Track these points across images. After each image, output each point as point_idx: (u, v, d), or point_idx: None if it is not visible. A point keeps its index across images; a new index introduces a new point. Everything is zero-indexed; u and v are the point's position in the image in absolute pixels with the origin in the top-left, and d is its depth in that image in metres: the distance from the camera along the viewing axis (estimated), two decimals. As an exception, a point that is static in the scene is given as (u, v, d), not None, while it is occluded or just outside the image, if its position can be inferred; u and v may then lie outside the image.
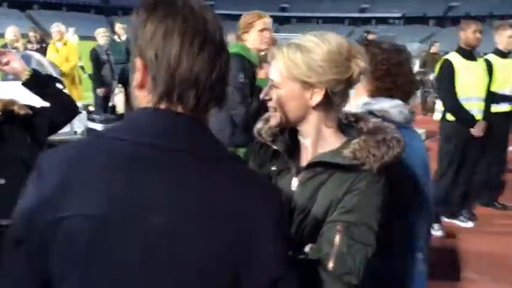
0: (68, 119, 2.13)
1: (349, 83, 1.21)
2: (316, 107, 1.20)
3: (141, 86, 0.83)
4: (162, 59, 0.80)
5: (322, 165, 1.20)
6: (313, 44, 1.18)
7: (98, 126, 6.17)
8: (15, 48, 6.99)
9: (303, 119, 1.23)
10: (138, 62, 0.83)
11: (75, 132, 7.12)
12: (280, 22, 63.25)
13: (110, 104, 7.97)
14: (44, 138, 2.03)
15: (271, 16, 3.18)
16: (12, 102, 1.95)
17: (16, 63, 1.98)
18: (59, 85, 2.10)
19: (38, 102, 2.02)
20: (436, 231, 4.10)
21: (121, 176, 0.76)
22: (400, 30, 62.29)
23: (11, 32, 7.14)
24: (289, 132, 1.30)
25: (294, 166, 1.26)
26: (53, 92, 2.03)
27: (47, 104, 2.03)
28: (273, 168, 1.30)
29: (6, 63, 1.96)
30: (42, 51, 7.62)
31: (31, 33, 8.31)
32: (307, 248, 1.19)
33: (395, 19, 66.04)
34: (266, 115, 1.33)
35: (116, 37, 8.19)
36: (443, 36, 40.48)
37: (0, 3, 58.84)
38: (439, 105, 6.76)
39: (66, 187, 0.76)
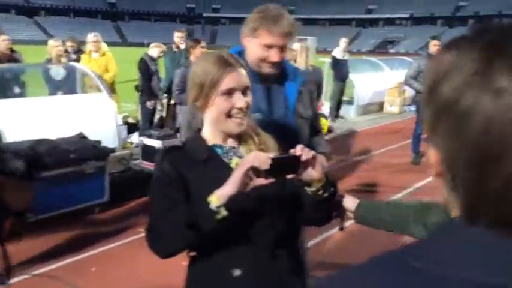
0: (313, 225, 1.85)
1: None
2: None
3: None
4: None
5: None
6: None
7: (156, 143, 5.50)
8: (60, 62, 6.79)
9: None
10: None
11: (132, 143, 6.69)
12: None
13: (157, 116, 7.72)
14: None
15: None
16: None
17: (314, 172, 1.53)
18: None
19: None
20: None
21: None
22: (408, 31, 62.04)
23: (54, 48, 6.82)
24: None
25: None
26: (330, 207, 1.69)
27: None
28: None
29: (306, 168, 1.52)
30: (77, 61, 7.42)
31: (68, 43, 7.87)
32: None
33: (402, 20, 65.54)
34: None
35: (173, 46, 7.61)
36: (452, 36, 39.61)
37: (8, 10, 59.20)
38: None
39: None
